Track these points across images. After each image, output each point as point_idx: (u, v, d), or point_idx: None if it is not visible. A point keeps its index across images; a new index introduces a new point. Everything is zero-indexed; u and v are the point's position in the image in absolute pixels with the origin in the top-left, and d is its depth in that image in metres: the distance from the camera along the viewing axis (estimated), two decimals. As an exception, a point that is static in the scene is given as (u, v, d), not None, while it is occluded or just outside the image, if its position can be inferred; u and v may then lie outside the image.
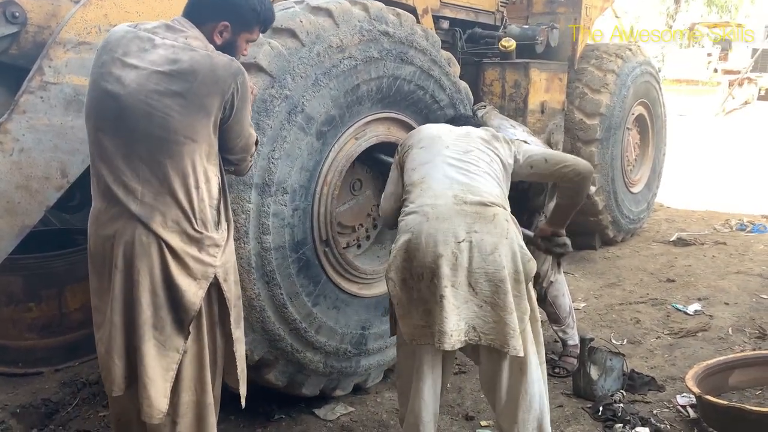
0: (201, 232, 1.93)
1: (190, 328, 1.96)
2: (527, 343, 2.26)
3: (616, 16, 7.45)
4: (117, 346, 1.93)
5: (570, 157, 2.66)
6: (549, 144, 4.99)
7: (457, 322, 2.15)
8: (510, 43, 4.63)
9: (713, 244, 5.98)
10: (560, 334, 3.53)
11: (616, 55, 5.51)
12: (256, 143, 2.18)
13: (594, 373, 3.10)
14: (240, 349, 2.12)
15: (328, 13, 2.77)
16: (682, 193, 8.21)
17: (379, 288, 3.14)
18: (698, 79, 20.17)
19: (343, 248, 3.03)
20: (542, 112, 4.83)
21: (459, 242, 2.17)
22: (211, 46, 2.01)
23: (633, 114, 5.85)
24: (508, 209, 2.33)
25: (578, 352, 3.32)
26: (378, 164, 3.17)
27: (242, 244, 2.51)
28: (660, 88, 6.29)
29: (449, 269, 2.15)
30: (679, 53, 22.86)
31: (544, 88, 4.83)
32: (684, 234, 6.24)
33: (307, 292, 2.78)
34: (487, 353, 2.28)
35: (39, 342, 3.35)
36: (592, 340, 3.19)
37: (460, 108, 3.47)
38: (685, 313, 4.23)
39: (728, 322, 4.06)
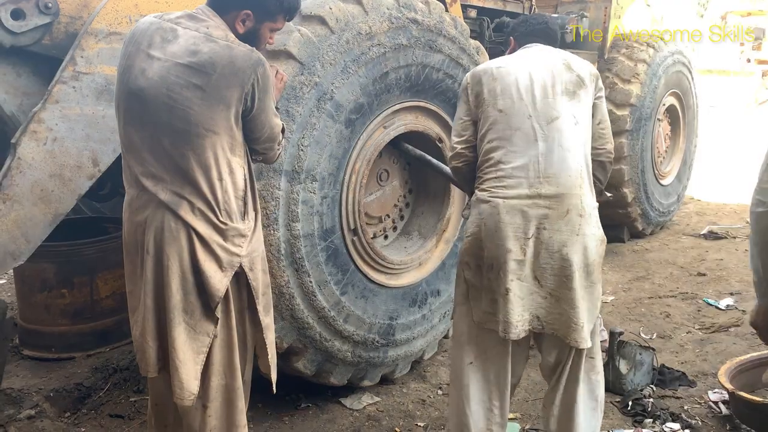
0: (226, 223, 1.95)
1: (219, 314, 1.98)
2: (596, 335, 2.30)
3: (647, 5, 7.25)
4: (150, 329, 1.97)
5: (609, 135, 2.46)
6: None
7: (521, 312, 2.19)
8: (539, 32, 4.55)
9: (745, 237, 5.83)
10: None
11: (647, 44, 5.40)
12: (283, 131, 2.17)
13: (623, 367, 3.05)
14: (269, 336, 2.14)
15: (358, 0, 2.77)
16: (714, 186, 8.04)
17: (407, 278, 3.14)
18: (730, 70, 19.69)
19: (371, 239, 3.02)
20: (571, 102, 4.76)
21: (527, 238, 2.18)
22: (233, 36, 1.99)
23: (664, 105, 5.74)
24: (587, 188, 2.22)
25: (606, 346, 3.27)
26: (404, 154, 3.15)
27: (272, 231, 2.52)
28: (692, 78, 6.15)
29: (516, 264, 2.18)
30: (711, 43, 22.33)
31: (573, 77, 4.75)
32: (715, 227, 6.11)
33: (335, 280, 2.78)
34: (551, 342, 2.30)
35: (71, 327, 3.42)
36: (621, 333, 3.15)
37: None
38: (717, 308, 4.15)
39: (761, 318, 3.96)
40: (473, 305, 2.31)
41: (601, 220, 5.14)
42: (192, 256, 1.92)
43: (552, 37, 2.52)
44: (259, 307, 2.07)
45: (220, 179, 1.93)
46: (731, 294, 4.38)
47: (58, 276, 3.36)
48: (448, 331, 3.33)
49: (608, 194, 3.01)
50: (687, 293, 4.42)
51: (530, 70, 2.29)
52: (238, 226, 1.98)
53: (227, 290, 1.98)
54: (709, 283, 4.63)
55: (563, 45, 4.81)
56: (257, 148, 2.09)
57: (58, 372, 3.23)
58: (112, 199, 3.84)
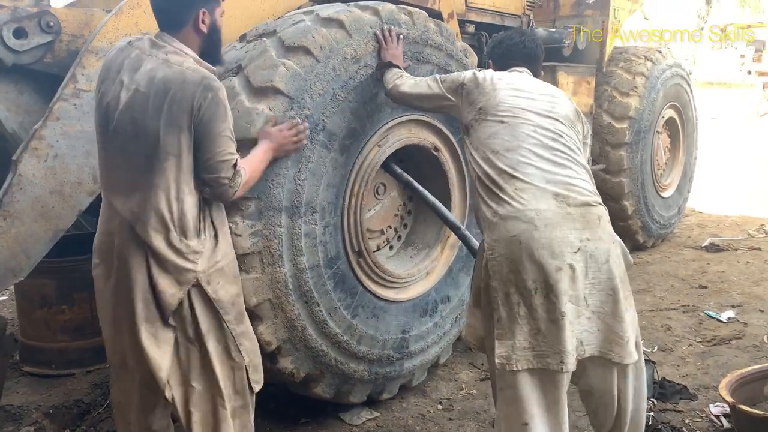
0: (180, 240, 2.03)
1: (187, 322, 2.08)
2: (640, 348, 2.17)
3: (645, 18, 7.32)
4: (116, 330, 2.13)
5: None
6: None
7: (571, 338, 1.99)
8: (536, 47, 4.58)
9: (747, 249, 5.84)
10: None
11: (645, 57, 5.44)
12: (235, 167, 2.09)
13: (623, 380, 3.04)
14: (245, 343, 2.18)
15: (340, 23, 2.69)
16: (715, 198, 8.03)
17: (415, 290, 3.16)
18: (731, 81, 19.75)
19: (374, 251, 3.04)
20: (570, 115, 4.78)
21: (574, 252, 1.99)
22: (191, 60, 2.05)
23: (663, 117, 5.76)
24: (601, 202, 2.16)
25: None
26: (395, 177, 3.13)
27: (277, 268, 2.52)
28: (691, 91, 6.18)
29: (568, 283, 1.98)
30: (711, 54, 22.42)
31: (571, 91, 4.79)
32: (717, 239, 6.11)
33: (345, 305, 2.80)
34: (593, 367, 2.10)
35: (71, 344, 3.42)
36: (621, 347, 3.13)
37: None
38: (718, 321, 4.13)
39: (763, 330, 3.95)
40: (499, 344, 2.03)
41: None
42: (149, 271, 2.03)
43: (533, 57, 2.44)
44: (228, 317, 2.13)
45: (177, 198, 2.03)
46: (732, 306, 4.36)
47: (59, 292, 3.37)
48: (460, 333, 3.34)
49: None
50: (688, 306, 4.40)
51: (529, 85, 2.28)
52: (191, 243, 2.05)
53: (189, 302, 2.07)
54: (711, 296, 4.62)
55: (561, 59, 4.86)
56: (204, 176, 2.06)
57: (57, 388, 3.23)
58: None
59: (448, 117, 3.18)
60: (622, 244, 2.18)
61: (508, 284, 2.03)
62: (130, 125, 2.01)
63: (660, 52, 5.65)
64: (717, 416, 2.95)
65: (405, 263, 3.23)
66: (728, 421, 2.88)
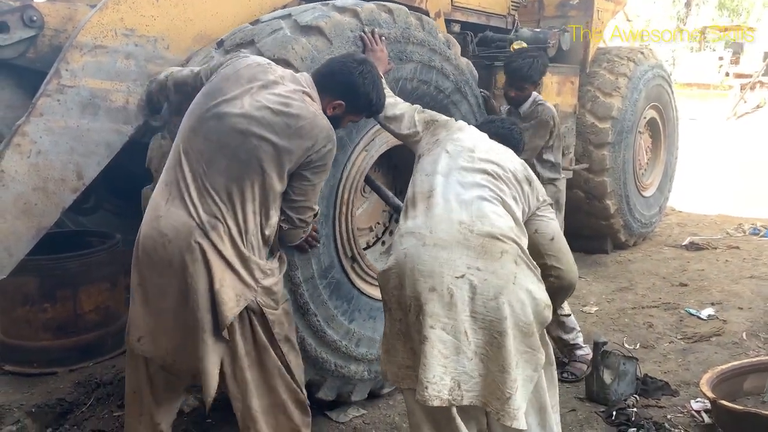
0: (252, 257, 2.06)
1: (247, 335, 2.10)
2: (543, 399, 2.04)
3: (628, 20, 7.39)
4: (176, 336, 2.08)
5: (568, 259, 2.30)
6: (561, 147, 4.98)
7: (441, 375, 1.86)
8: (521, 46, 4.62)
9: (726, 248, 5.94)
10: (569, 350, 3.46)
11: (628, 58, 5.50)
12: (315, 216, 2.29)
13: (607, 377, 3.08)
14: (292, 360, 2.23)
15: (319, 31, 2.62)
16: (695, 198, 8.16)
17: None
18: (710, 83, 20.06)
19: (364, 249, 3.03)
20: (554, 115, 4.82)
21: (457, 278, 1.90)
22: (320, 109, 2.18)
23: (645, 118, 5.83)
24: (523, 246, 2.03)
25: (588, 358, 3.30)
26: (391, 167, 3.16)
27: None
28: (672, 92, 6.27)
29: (440, 307, 1.88)
30: (691, 57, 22.76)
31: (555, 91, 4.82)
32: (696, 238, 6.20)
33: (342, 311, 2.81)
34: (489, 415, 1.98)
35: (54, 342, 3.38)
36: (605, 344, 3.18)
37: (467, 90, 3.42)
38: (699, 318, 4.20)
39: (742, 327, 4.03)
40: (385, 359, 2.05)
41: (584, 231, 5.25)
42: (210, 280, 2.00)
43: (513, 144, 2.42)
44: (279, 335, 2.18)
45: (255, 214, 2.06)
46: (712, 304, 4.44)
47: (41, 290, 3.32)
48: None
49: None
50: (669, 303, 4.47)
51: (488, 141, 2.32)
52: (261, 262, 2.09)
53: (249, 316, 2.09)
54: (691, 294, 4.69)
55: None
56: (288, 211, 2.18)
57: (40, 387, 3.19)
58: (95, 212, 3.83)
59: (434, 110, 3.18)
60: (542, 299, 1.99)
61: (393, 298, 2.00)
62: (239, 130, 2.03)
63: (642, 53, 5.72)
64: (698, 412, 3.00)
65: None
66: (709, 417, 2.93)
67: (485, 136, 2.37)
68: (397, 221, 3.38)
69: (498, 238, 1.96)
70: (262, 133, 2.03)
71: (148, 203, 2.17)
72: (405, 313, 1.95)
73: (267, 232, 2.11)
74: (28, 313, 3.34)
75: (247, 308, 2.08)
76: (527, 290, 1.94)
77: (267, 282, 2.11)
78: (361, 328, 2.88)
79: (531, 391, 1.98)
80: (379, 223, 3.30)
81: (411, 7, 3.46)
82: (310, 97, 2.17)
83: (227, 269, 2.02)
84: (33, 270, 3.27)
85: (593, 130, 5.29)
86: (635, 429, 2.84)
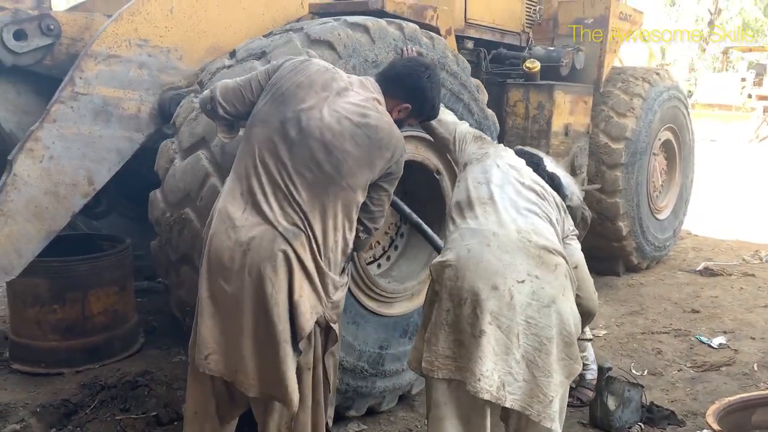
0: (328, 269, 2.06)
1: (309, 347, 2.10)
2: (563, 411, 2.09)
3: (644, 40, 7.33)
4: (249, 348, 2.02)
5: (589, 288, 2.36)
6: (573, 166, 4.95)
7: (492, 370, 1.92)
8: (534, 65, 4.62)
9: (741, 275, 5.83)
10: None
11: (643, 79, 5.47)
12: (373, 230, 2.30)
13: (611, 403, 3.03)
14: (332, 375, 2.26)
15: (365, 29, 2.84)
16: (711, 222, 8.04)
17: (399, 308, 3.14)
18: (732, 104, 19.84)
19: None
20: (566, 134, 4.81)
21: (519, 282, 1.97)
22: (388, 114, 2.21)
23: (659, 139, 5.78)
24: (568, 264, 2.14)
25: (595, 383, 3.25)
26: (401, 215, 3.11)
27: None
28: (688, 114, 6.20)
29: (498, 306, 1.95)
30: (712, 77, 22.54)
31: (568, 110, 4.80)
32: (711, 263, 6.10)
33: None
34: (517, 414, 2.04)
35: (62, 343, 3.41)
36: (610, 369, 3.13)
37: (487, 134, 3.46)
38: (709, 346, 4.12)
39: (754, 358, 3.95)
40: (425, 347, 2.05)
41: (595, 253, 5.17)
42: (290, 291, 1.99)
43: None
44: (335, 349, 2.22)
45: (335, 229, 2.06)
46: (724, 332, 4.35)
47: (51, 291, 3.36)
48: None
49: None
50: (680, 330, 4.39)
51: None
52: (335, 276, 2.08)
53: (314, 328, 2.09)
54: (703, 321, 4.61)
55: (558, 77, 4.88)
56: (364, 220, 2.21)
57: (46, 387, 3.22)
58: (107, 216, 3.88)
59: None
60: (578, 315, 2.10)
61: (445, 289, 2.03)
62: (324, 143, 2.03)
63: (658, 74, 5.68)
64: (703, 443, 2.94)
65: (391, 281, 3.21)
66: (714, 449, 2.87)
67: (522, 161, 2.42)
68: (402, 236, 3.38)
69: (552, 252, 2.07)
70: (345, 146, 2.04)
71: (213, 213, 2.11)
72: (457, 306, 1.99)
73: (347, 246, 2.11)
74: (37, 314, 3.38)
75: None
76: (572, 305, 2.07)
77: (336, 297, 2.11)
78: (342, 329, 2.80)
79: (562, 395, 2.05)
80: (379, 243, 3.29)
81: (422, 24, 3.49)
82: (380, 103, 2.20)
83: (306, 280, 2.01)
84: (44, 272, 3.32)
85: (606, 150, 5.25)
86: (637, 458, 2.78)
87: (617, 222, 5.33)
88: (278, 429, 2.14)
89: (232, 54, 2.96)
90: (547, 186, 2.32)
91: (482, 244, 2.03)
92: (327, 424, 2.26)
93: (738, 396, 3.06)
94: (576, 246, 2.36)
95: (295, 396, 2.02)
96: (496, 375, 1.92)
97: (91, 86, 2.86)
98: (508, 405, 1.95)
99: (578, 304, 2.24)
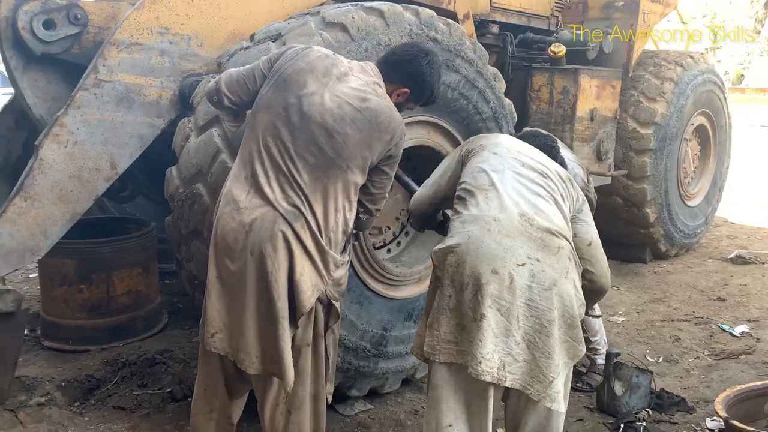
0: (328, 248, 2.13)
1: (309, 324, 2.18)
2: (567, 393, 2.11)
3: (683, 22, 7.07)
4: (251, 326, 2.10)
5: (603, 265, 2.35)
6: (599, 152, 4.88)
7: (492, 351, 1.96)
8: (560, 49, 4.55)
9: (774, 263, 5.67)
10: (589, 354, 3.43)
11: (675, 62, 5.33)
12: (377, 210, 2.38)
13: (618, 388, 3.03)
14: (332, 353, 2.35)
15: (380, 13, 2.89)
16: (751, 209, 7.79)
17: (405, 292, 3.18)
18: (786, 88, 18.97)
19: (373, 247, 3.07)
20: (592, 119, 4.73)
21: (519, 265, 2.00)
22: (389, 99, 2.26)
23: (692, 124, 5.63)
24: (572, 245, 2.16)
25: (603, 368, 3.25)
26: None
27: None
28: (725, 98, 6.01)
29: (498, 289, 1.98)
30: (765, 61, 21.58)
31: (594, 95, 4.73)
32: (744, 252, 5.93)
33: None
34: (517, 393, 2.08)
35: (88, 322, 3.59)
36: (618, 354, 3.12)
37: (503, 123, 3.47)
38: (731, 334, 4.05)
39: (776, 347, 3.87)
40: (428, 332, 2.10)
41: (621, 239, 5.14)
42: (290, 270, 2.07)
43: (552, 156, 2.46)
44: (335, 326, 2.30)
45: (336, 210, 2.13)
46: (748, 321, 4.26)
47: (78, 272, 3.53)
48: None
49: None
50: (702, 318, 4.32)
51: (528, 146, 2.40)
52: (335, 255, 2.16)
53: (316, 305, 2.17)
54: (728, 309, 4.51)
55: (585, 62, 4.81)
56: (365, 202, 2.28)
57: (72, 363, 3.39)
58: (133, 200, 4.03)
59: (468, 129, 3.25)
60: (582, 297, 2.11)
61: (446, 275, 2.08)
62: (325, 128, 2.10)
63: (692, 57, 5.52)
64: (712, 431, 2.91)
65: (399, 264, 3.25)
66: (723, 437, 2.85)
67: (524, 143, 2.44)
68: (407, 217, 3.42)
69: (555, 234, 2.08)
70: (345, 130, 2.10)
71: (221, 197, 2.20)
72: (458, 291, 2.03)
73: (347, 226, 2.19)
74: (66, 293, 3.56)
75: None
76: (575, 286, 2.07)
77: (337, 274, 2.19)
78: (345, 309, 2.84)
79: (566, 378, 2.08)
80: (389, 228, 3.34)
81: (439, 10, 3.50)
82: (380, 87, 2.25)
83: (307, 259, 2.08)
84: (71, 253, 3.49)
85: (634, 136, 5.15)
86: (642, 443, 2.79)
87: (644, 208, 5.24)
88: (276, 404, 2.22)
89: (252, 37, 3.03)
90: (550, 162, 2.32)
91: (483, 230, 2.06)
92: (327, 399, 2.33)
93: (750, 384, 3.02)
94: (590, 222, 2.37)
95: (291, 372, 2.09)
96: (496, 357, 1.96)
97: (113, 73, 2.97)
98: (508, 384, 1.99)
99: (591, 281, 2.28)
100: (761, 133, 14.25)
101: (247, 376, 2.28)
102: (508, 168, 2.23)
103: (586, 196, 2.58)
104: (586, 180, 2.80)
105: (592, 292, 2.32)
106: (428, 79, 2.33)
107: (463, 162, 2.37)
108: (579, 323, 2.07)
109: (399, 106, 2.31)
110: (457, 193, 2.27)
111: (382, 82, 2.27)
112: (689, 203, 5.79)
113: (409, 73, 2.30)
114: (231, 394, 2.35)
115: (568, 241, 2.13)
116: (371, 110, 2.14)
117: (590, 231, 2.35)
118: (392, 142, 2.20)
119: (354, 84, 2.18)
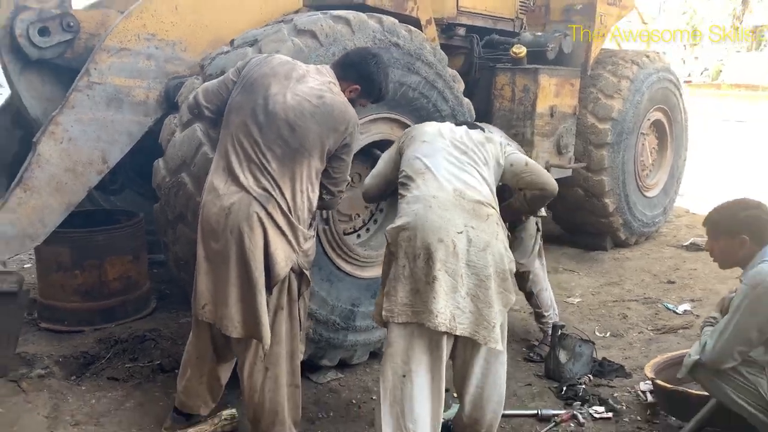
0: (297, 223, 2.47)
1: (284, 290, 2.53)
2: (504, 336, 2.47)
3: (644, 22, 7.42)
4: (234, 296, 2.44)
5: (544, 172, 2.82)
6: (559, 146, 5.22)
7: (444, 306, 2.31)
8: (520, 50, 4.89)
9: (727, 249, 6.02)
10: (541, 326, 3.78)
11: (632, 61, 5.69)
12: (341, 192, 2.73)
13: (563, 357, 3.38)
14: (302, 313, 2.69)
15: (347, 21, 3.21)
16: (716, 202, 8.08)
17: (372, 271, 3.49)
18: (759, 85, 19.48)
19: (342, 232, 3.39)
20: (551, 115, 5.06)
21: (458, 232, 2.37)
22: (343, 95, 2.60)
23: (649, 120, 5.99)
24: (498, 211, 2.55)
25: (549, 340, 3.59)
26: (373, 158, 3.51)
27: None
28: (680, 95, 6.38)
29: (445, 255, 2.33)
30: (740, 57, 22.13)
31: (553, 92, 5.06)
32: (699, 239, 6.30)
33: None
34: (462, 344, 2.47)
35: (82, 305, 3.87)
36: (563, 326, 3.47)
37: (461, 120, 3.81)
38: (674, 312, 4.41)
39: (714, 322, 4.22)
40: (385, 299, 2.42)
41: (583, 228, 5.59)
42: (266, 245, 2.42)
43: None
44: (306, 293, 2.66)
45: (301, 192, 2.49)
46: (692, 300, 4.63)
47: (72, 259, 3.81)
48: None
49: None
50: (650, 298, 4.69)
51: (448, 125, 2.82)
52: (304, 229, 2.52)
53: (290, 275, 2.50)
54: (675, 290, 4.89)
55: (546, 62, 5.15)
56: (327, 184, 2.63)
57: (68, 341, 3.68)
58: (122, 193, 4.33)
59: (421, 120, 3.56)
60: (510, 255, 2.48)
61: (400, 249, 2.41)
62: (288, 122, 2.43)
63: (648, 56, 5.88)
64: (644, 392, 3.27)
65: (367, 248, 3.57)
66: (653, 396, 3.20)
67: (448, 124, 2.83)
68: (381, 211, 3.76)
69: (484, 204, 2.48)
70: (306, 124, 2.43)
71: (205, 187, 2.54)
72: (411, 261, 2.37)
73: (312, 205, 2.54)
74: (61, 278, 3.84)
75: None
76: (504, 246, 2.46)
77: (306, 246, 2.53)
78: (316, 285, 3.12)
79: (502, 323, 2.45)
80: (359, 216, 3.66)
81: (402, 17, 3.82)
82: (335, 85, 2.58)
83: (279, 235, 2.42)
84: (66, 241, 3.77)
85: (593, 131, 5.50)
86: (581, 403, 3.13)
87: (603, 199, 5.59)
88: (254, 362, 2.56)
89: (231, 43, 3.34)
90: (466, 133, 2.71)
91: (425, 207, 2.43)
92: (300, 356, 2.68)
93: (678, 351, 3.38)
94: (520, 151, 2.92)
95: (267, 333, 2.44)
96: (448, 311, 2.32)
97: (104, 76, 3.27)
98: (458, 333, 2.35)
99: (541, 189, 2.75)
100: (736, 128, 14.67)
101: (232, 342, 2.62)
102: (438, 150, 2.62)
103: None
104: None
105: (543, 197, 2.82)
106: (376, 77, 2.68)
107: (400, 152, 2.75)
108: (509, 276, 2.46)
109: (352, 102, 2.66)
110: (399, 180, 2.64)
111: (336, 81, 2.61)
112: (647, 194, 6.15)
113: (359, 72, 2.65)
114: (219, 358, 2.71)
115: (495, 209, 2.52)
116: (327, 105, 2.48)
117: (522, 156, 2.84)
118: (347, 131, 2.53)
119: (312, 84, 2.52)
